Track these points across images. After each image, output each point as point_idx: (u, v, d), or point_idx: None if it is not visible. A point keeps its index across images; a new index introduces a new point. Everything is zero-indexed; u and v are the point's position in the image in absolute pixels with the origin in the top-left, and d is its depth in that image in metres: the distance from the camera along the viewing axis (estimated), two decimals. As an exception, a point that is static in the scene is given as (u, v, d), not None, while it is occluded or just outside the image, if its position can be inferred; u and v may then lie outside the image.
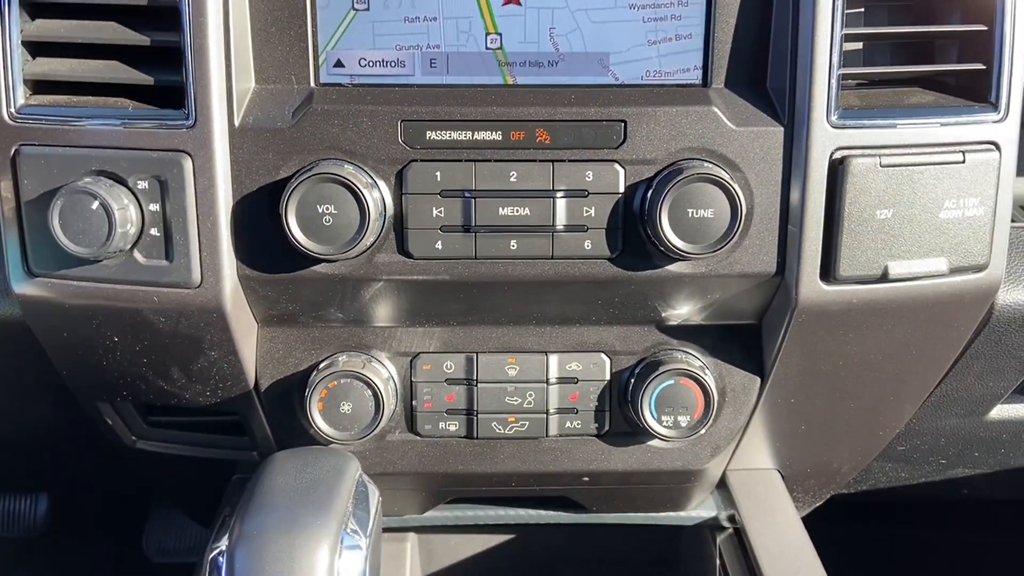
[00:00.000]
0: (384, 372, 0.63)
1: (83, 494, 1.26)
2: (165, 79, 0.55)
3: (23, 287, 0.59)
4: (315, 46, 0.57)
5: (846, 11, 0.57)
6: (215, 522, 0.75)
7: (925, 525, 1.27)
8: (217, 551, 0.43)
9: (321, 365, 0.62)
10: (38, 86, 0.57)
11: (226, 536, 0.43)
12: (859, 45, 0.62)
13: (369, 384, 0.62)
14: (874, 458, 0.88)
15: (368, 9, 0.57)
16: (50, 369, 0.67)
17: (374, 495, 0.47)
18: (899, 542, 1.33)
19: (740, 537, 0.73)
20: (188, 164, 0.55)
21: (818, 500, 0.94)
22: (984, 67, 0.59)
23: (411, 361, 0.63)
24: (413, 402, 0.64)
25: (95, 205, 0.53)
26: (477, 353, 0.64)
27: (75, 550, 1.46)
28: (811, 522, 0.83)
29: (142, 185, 0.55)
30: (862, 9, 0.60)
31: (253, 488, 0.44)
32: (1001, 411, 0.82)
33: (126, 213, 0.54)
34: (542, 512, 0.74)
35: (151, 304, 0.58)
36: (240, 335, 0.60)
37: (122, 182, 0.55)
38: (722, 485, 0.76)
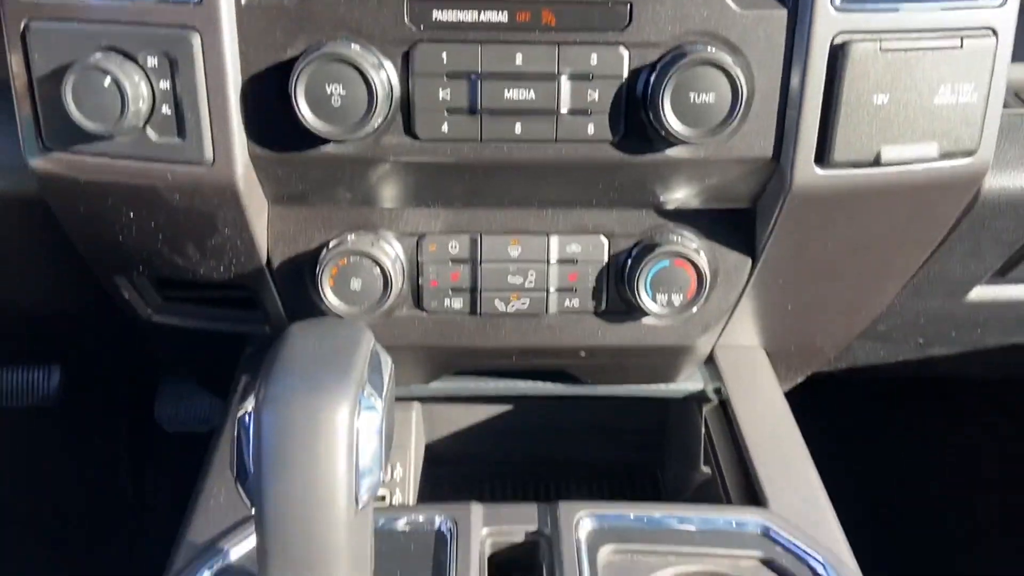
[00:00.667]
0: (392, 251, 0.64)
1: (96, 367, 1.30)
2: None
3: (38, 161, 0.60)
4: None
5: None
6: (233, 389, 0.79)
7: (900, 402, 1.33)
8: (244, 412, 0.46)
9: (331, 244, 0.64)
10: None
11: (252, 398, 0.46)
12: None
13: (377, 262, 0.64)
14: (855, 337, 0.93)
15: None
16: (68, 244, 0.69)
17: (387, 363, 0.50)
18: (874, 417, 1.39)
19: (725, 408, 0.77)
20: (197, 41, 0.55)
21: (799, 377, 0.98)
22: None
23: (417, 241, 0.65)
24: (419, 280, 0.66)
25: (107, 82, 0.54)
26: (481, 234, 0.65)
27: (89, 421, 1.51)
28: (792, 397, 0.87)
29: (152, 62, 0.55)
30: None
31: (275, 354, 0.46)
32: (980, 292, 0.85)
33: (138, 90, 0.54)
34: (540, 384, 0.78)
35: (165, 181, 0.59)
36: (252, 213, 0.61)
37: (132, 59, 0.55)
38: (710, 361, 0.79)
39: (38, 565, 1.30)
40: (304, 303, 0.68)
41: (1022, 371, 1.08)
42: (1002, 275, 0.79)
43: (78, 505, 1.40)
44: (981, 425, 1.34)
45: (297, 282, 0.67)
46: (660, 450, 0.83)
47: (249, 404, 0.46)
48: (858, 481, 1.29)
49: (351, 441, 0.44)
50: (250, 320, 0.75)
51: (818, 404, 0.96)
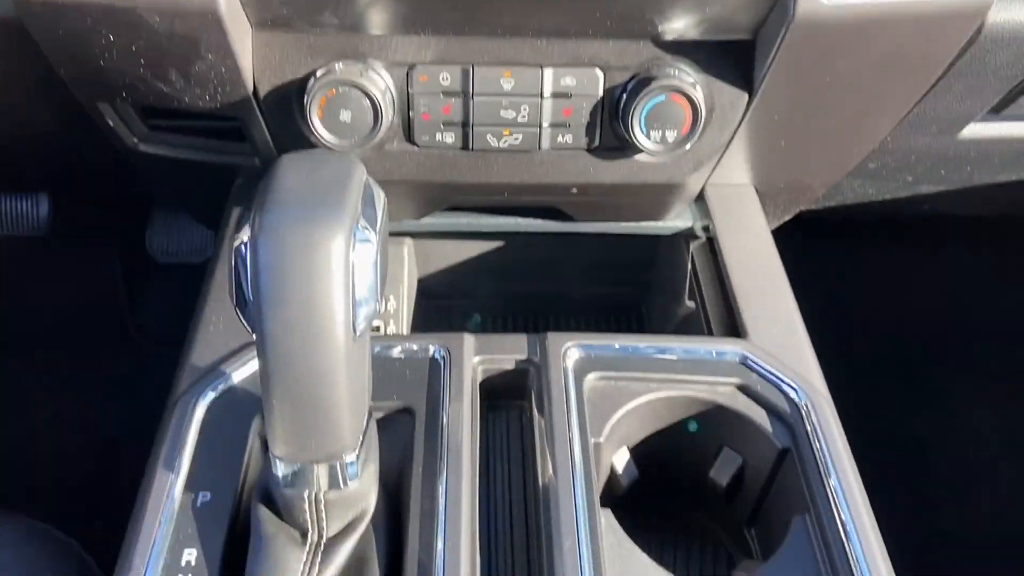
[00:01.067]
0: (381, 82, 0.62)
1: (85, 196, 1.28)
2: None
3: None
4: None
5: None
6: (224, 221, 0.79)
7: (885, 240, 1.35)
8: (240, 242, 0.47)
9: (318, 73, 0.61)
10: None
11: (247, 228, 0.46)
12: None
13: (367, 93, 0.62)
14: (845, 175, 0.92)
15: None
16: (52, 71, 0.67)
17: (380, 196, 0.49)
18: (861, 252, 1.41)
19: (711, 245, 0.77)
20: None
21: (787, 215, 0.99)
22: None
23: (407, 72, 0.63)
24: (410, 113, 0.64)
25: None
26: (473, 65, 0.63)
27: (81, 251, 1.51)
28: (778, 235, 0.87)
29: None
30: None
31: (267, 185, 0.46)
32: (973, 130, 0.83)
33: None
34: (531, 220, 0.77)
35: (145, 2, 0.56)
36: (235, 38, 0.58)
37: None
38: (700, 198, 0.79)
39: (32, 394, 1.34)
40: (293, 135, 0.66)
41: (1007, 208, 1.10)
42: (996, 112, 0.78)
43: (74, 334, 1.43)
44: (965, 261, 1.36)
45: (285, 112, 0.65)
46: (646, 285, 0.85)
47: (245, 234, 0.46)
48: (838, 317, 1.33)
49: (347, 272, 0.44)
50: (239, 152, 0.74)
51: (803, 244, 0.97)
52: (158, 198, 1.27)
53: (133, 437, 1.29)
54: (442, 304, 0.85)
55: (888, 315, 1.38)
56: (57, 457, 1.26)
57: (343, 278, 0.44)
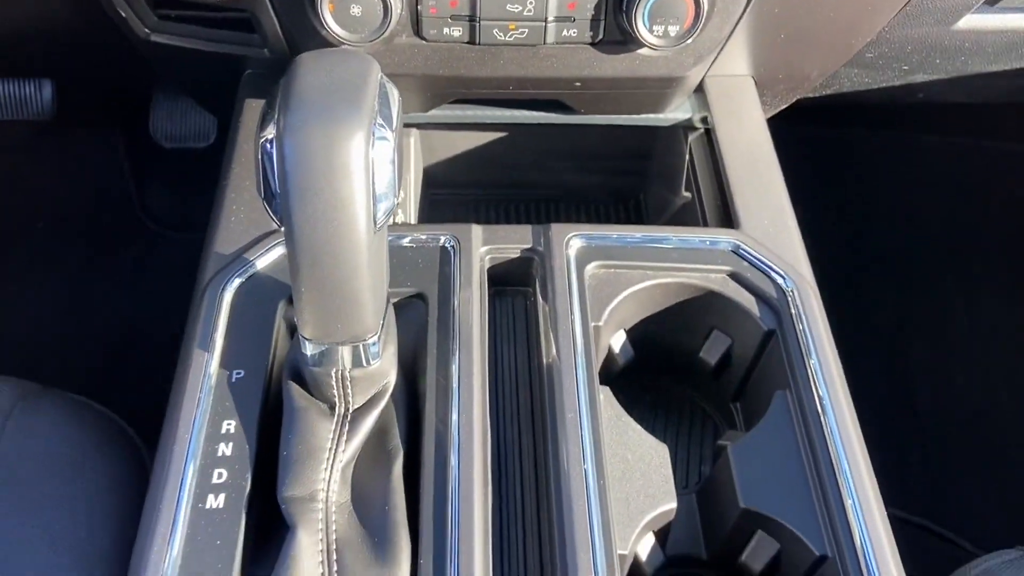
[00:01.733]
0: None
1: (89, 83, 1.28)
2: None
3: None
4: None
5: None
6: (237, 110, 0.80)
7: (882, 126, 1.36)
8: (265, 139, 0.49)
9: None
10: None
11: (272, 126, 0.48)
12: None
13: None
14: (843, 64, 0.93)
15: None
16: None
17: (394, 93, 0.51)
18: (855, 142, 1.43)
19: (709, 136, 0.79)
20: None
21: (785, 103, 1.00)
22: None
23: None
24: (419, 7, 0.65)
25: None
26: None
27: (85, 136, 1.51)
28: (775, 124, 0.89)
29: None
30: None
31: (288, 85, 0.48)
32: (968, 20, 0.83)
33: None
34: (534, 113, 0.79)
35: None
36: None
37: None
38: (699, 90, 0.81)
39: (44, 280, 1.37)
40: (303, 27, 0.67)
41: (1001, 97, 1.11)
42: (991, 3, 0.79)
43: (82, 218, 1.45)
44: (958, 147, 1.38)
45: (296, 5, 0.66)
46: (645, 176, 0.87)
47: (269, 132, 0.48)
48: (830, 204, 1.36)
49: (367, 169, 0.47)
50: (248, 43, 0.74)
51: (800, 131, 0.99)
52: (164, 85, 1.27)
53: (149, 317, 1.33)
54: (447, 193, 0.87)
55: (878, 204, 1.41)
56: (77, 339, 1.30)
57: (364, 175, 0.47)
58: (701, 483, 0.65)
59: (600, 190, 0.89)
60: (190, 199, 1.46)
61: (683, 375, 0.70)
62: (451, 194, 0.85)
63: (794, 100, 0.97)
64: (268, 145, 0.48)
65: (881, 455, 0.63)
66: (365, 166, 0.46)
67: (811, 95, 1.03)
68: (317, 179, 0.46)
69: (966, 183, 1.35)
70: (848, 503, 0.54)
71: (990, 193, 1.35)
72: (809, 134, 1.10)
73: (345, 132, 0.46)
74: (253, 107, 0.75)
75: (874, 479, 0.56)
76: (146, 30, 0.74)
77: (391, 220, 0.51)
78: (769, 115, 0.95)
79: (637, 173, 0.87)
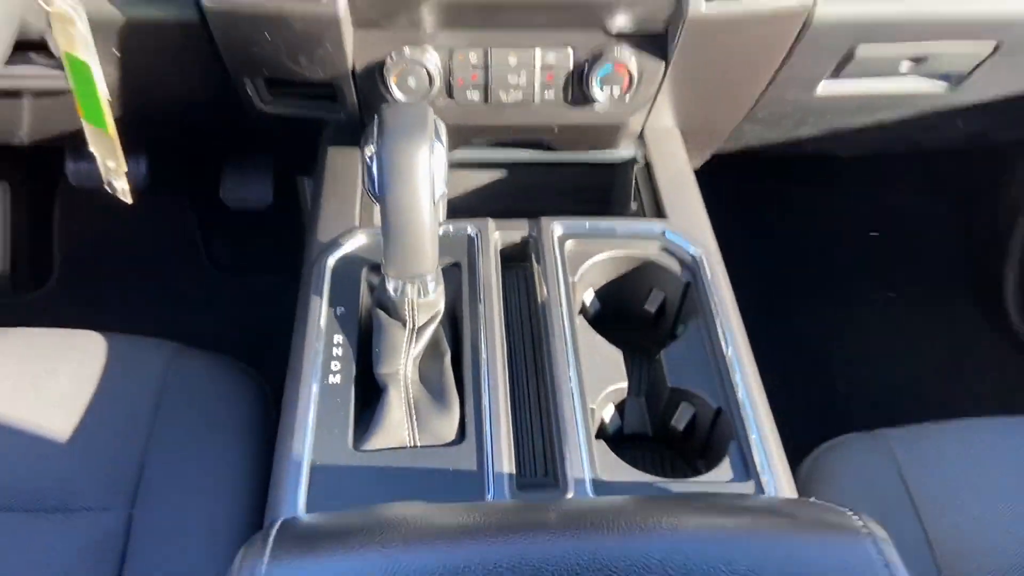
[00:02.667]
0: (433, 60, 0.94)
1: (177, 156, 1.57)
2: None
3: (209, 2, 0.88)
4: None
5: None
6: (322, 154, 1.08)
7: (783, 174, 1.69)
8: (370, 153, 0.78)
9: (393, 55, 0.92)
10: None
11: (372, 145, 0.77)
12: None
13: (425, 67, 0.94)
14: (744, 120, 1.15)
15: None
16: (216, 56, 0.98)
17: (442, 125, 0.80)
18: (764, 187, 1.76)
19: (648, 167, 1.07)
20: None
21: (707, 153, 1.30)
22: None
23: (450, 53, 0.94)
24: (451, 79, 0.95)
25: None
26: (490, 48, 0.91)
27: (164, 200, 1.72)
28: (700, 173, 1.07)
29: None
30: None
31: (382, 120, 0.77)
32: (824, 87, 1.07)
33: None
34: (526, 152, 1.08)
35: (294, 13, 0.87)
36: (345, 34, 0.89)
37: None
38: (641, 136, 1.11)
39: (122, 311, 1.62)
40: (374, 95, 0.97)
41: (869, 147, 1.44)
42: (836, 75, 1.12)
43: (158, 265, 1.72)
44: (848, 198, 1.71)
45: (371, 81, 0.96)
46: (607, 199, 1.18)
47: (370, 149, 0.78)
48: (747, 236, 1.67)
49: (429, 166, 0.76)
50: (332, 110, 1.01)
51: (720, 180, 1.28)
52: (234, 157, 1.57)
53: (211, 332, 1.58)
54: (464, 213, 1.17)
55: (787, 238, 1.73)
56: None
57: (427, 169, 0.75)
58: (647, 386, 0.93)
59: (575, 209, 1.19)
60: (248, 250, 1.76)
61: (634, 322, 0.99)
62: (466, 213, 1.15)
63: (715, 149, 1.28)
64: (371, 157, 0.78)
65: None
66: (427, 164, 0.75)
67: (729, 148, 1.35)
68: (402, 172, 0.76)
69: (857, 216, 1.69)
70: (734, 374, 0.82)
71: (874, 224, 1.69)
72: (730, 179, 1.41)
73: (416, 145, 0.75)
74: (332, 151, 1.05)
75: (753, 361, 0.84)
76: (262, 104, 1.06)
77: (441, 208, 0.80)
78: (697, 165, 1.26)
79: (600, 200, 1.17)
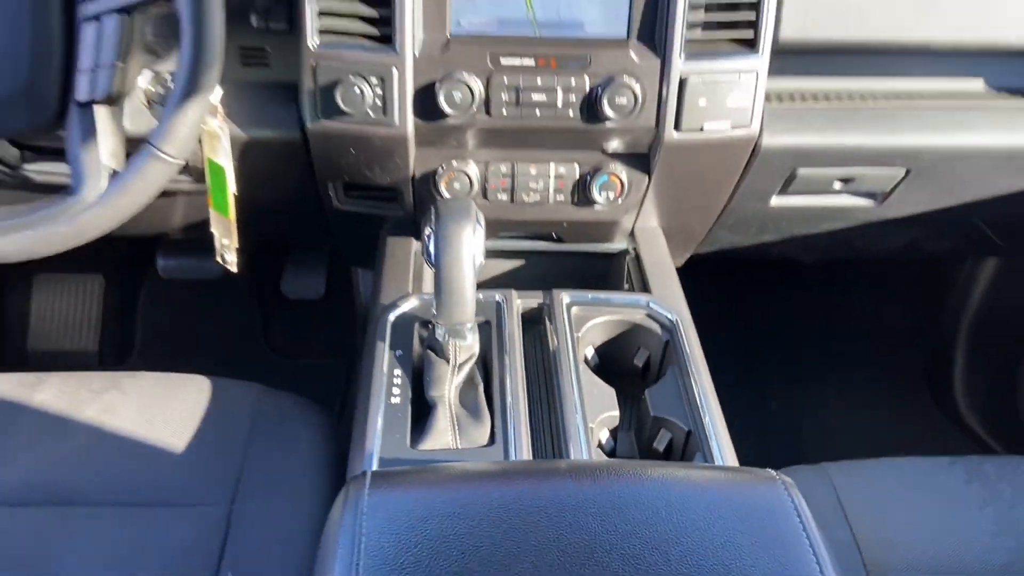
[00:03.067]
0: (474, 170, 1.21)
1: (249, 249, 1.84)
2: (386, 30, 1.08)
3: (312, 125, 1.14)
4: (448, 14, 1.09)
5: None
6: (381, 243, 1.35)
7: (753, 274, 1.96)
8: (428, 233, 1.04)
9: (443, 166, 1.13)
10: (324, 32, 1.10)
11: (429, 227, 1.04)
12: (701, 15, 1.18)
13: (468, 175, 1.22)
14: (716, 226, 1.34)
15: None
16: (307, 166, 1.27)
17: (481, 215, 1.07)
18: (737, 286, 2.01)
19: (637, 258, 1.27)
20: (395, 72, 1.12)
21: (687, 251, 1.53)
22: (751, 33, 1.15)
23: (486, 164, 1.17)
24: (486, 184, 1.19)
25: (357, 89, 1.12)
26: (516, 162, 1.14)
27: (230, 290, 1.95)
28: (682, 272, 1.24)
29: (375, 80, 1.13)
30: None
31: (438, 212, 1.03)
32: (775, 200, 1.27)
33: (368, 92, 1.12)
34: (541, 243, 1.29)
35: (374, 134, 1.16)
36: (410, 151, 1.15)
37: (366, 78, 1.13)
38: (631, 234, 1.33)
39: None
40: (426, 196, 1.21)
41: (821, 254, 1.71)
42: (784, 191, 1.40)
43: (221, 350, 1.97)
44: (805, 293, 1.97)
45: (425, 185, 1.20)
46: (605, 280, 1.42)
47: (428, 230, 1.05)
48: (722, 328, 1.91)
49: (471, 242, 1.00)
50: (392, 208, 1.23)
51: (699, 280, 1.40)
52: (296, 252, 1.86)
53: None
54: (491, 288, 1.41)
55: (760, 329, 1.98)
56: None
57: (471, 243, 0.99)
58: (635, 422, 1.15)
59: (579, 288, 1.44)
60: (302, 335, 2.01)
61: (625, 374, 1.22)
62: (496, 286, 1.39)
63: (694, 249, 1.52)
64: (428, 235, 1.05)
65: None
66: (471, 240, 1.00)
67: (706, 250, 1.61)
68: (452, 245, 1.02)
69: (824, 318, 1.94)
70: (701, 406, 1.05)
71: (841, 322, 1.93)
72: (707, 280, 1.66)
73: (463, 226, 1.01)
74: (391, 240, 1.32)
75: (716, 398, 1.07)
76: (338, 203, 1.32)
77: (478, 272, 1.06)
78: (679, 263, 1.52)
79: (599, 281, 1.40)
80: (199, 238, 1.66)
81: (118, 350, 1.80)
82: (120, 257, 1.90)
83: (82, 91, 0.84)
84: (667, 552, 0.67)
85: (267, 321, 1.93)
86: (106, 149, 0.84)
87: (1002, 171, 1.34)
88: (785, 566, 0.66)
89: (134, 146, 0.94)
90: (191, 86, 0.88)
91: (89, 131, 0.85)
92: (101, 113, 0.85)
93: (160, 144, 0.84)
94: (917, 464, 1.16)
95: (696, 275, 1.30)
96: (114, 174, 0.86)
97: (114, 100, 0.85)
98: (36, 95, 0.83)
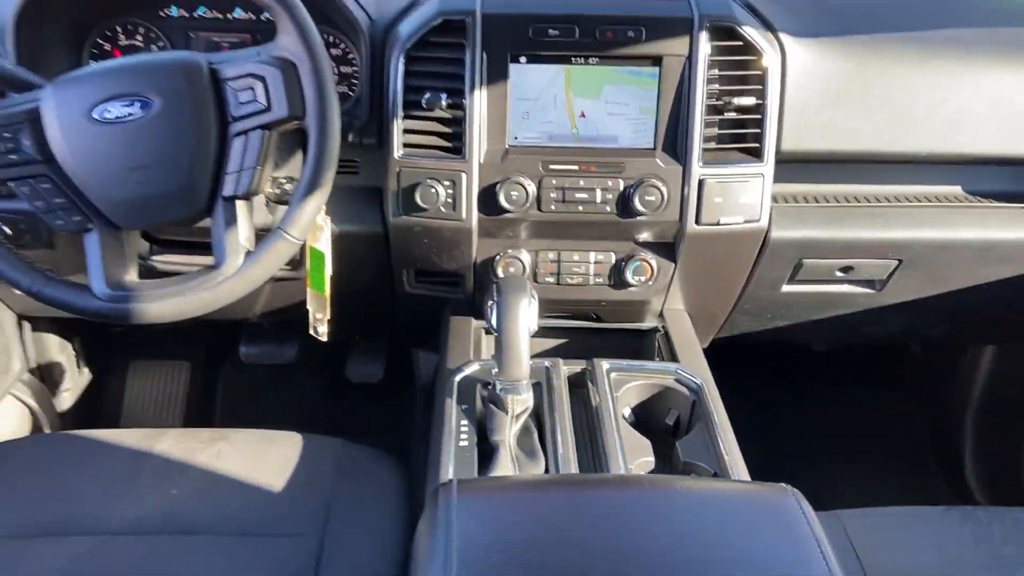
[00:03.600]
0: (526, 257, 1.41)
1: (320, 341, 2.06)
2: (457, 144, 1.35)
3: (394, 219, 1.37)
4: (507, 130, 1.36)
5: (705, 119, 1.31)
6: (445, 323, 1.54)
7: (769, 358, 2.12)
8: (491, 303, 1.25)
9: (501, 252, 1.34)
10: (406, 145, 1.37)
11: (491, 300, 1.25)
12: (715, 130, 1.41)
13: (521, 260, 1.43)
14: (734, 311, 1.51)
15: (528, 118, 1.40)
16: (386, 254, 1.49)
17: (534, 291, 1.28)
18: (757, 368, 2.12)
19: (667, 334, 1.51)
20: (464, 176, 1.35)
21: (710, 334, 1.62)
22: (757, 144, 1.40)
23: (536, 252, 1.37)
24: (536, 269, 1.38)
25: (432, 190, 1.35)
26: (561, 251, 1.33)
27: (299, 375, 2.13)
28: (708, 354, 1.39)
29: (448, 182, 1.36)
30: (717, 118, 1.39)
31: (500, 288, 1.24)
32: (786, 288, 1.43)
33: (443, 192, 1.36)
34: (585, 321, 1.47)
35: (445, 227, 1.37)
36: (474, 240, 1.37)
37: (440, 181, 1.36)
38: (661, 314, 1.56)
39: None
40: (486, 280, 1.41)
41: (830, 339, 1.87)
42: (792, 280, 1.57)
43: (288, 430, 2.13)
44: (817, 382, 2.12)
45: (484, 270, 1.39)
46: (638, 353, 1.58)
47: (490, 300, 1.26)
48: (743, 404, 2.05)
49: (528, 310, 1.20)
50: (453, 291, 1.43)
51: (724, 364, 1.48)
52: (359, 340, 2.06)
53: None
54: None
55: (773, 420, 2.12)
56: None
57: (526, 313, 1.19)
58: (667, 469, 1.30)
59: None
60: (360, 415, 2.19)
61: (658, 431, 1.38)
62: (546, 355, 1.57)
63: (716, 332, 1.64)
64: (491, 307, 1.25)
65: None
66: (527, 309, 1.21)
67: (726, 334, 1.79)
68: (511, 313, 1.22)
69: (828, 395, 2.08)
70: (723, 453, 1.20)
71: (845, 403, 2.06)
72: (730, 363, 1.80)
73: (520, 299, 1.22)
74: (453, 319, 1.52)
75: (737, 446, 1.23)
76: (408, 287, 1.53)
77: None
78: (704, 345, 1.70)
79: (633, 354, 1.60)
80: (279, 322, 1.88)
81: (200, 426, 1.98)
82: (204, 345, 2.12)
83: (228, 188, 1.06)
84: (702, 551, 0.83)
85: (330, 404, 2.09)
86: (243, 234, 1.06)
87: (983, 261, 1.53)
88: (786, 546, 0.81)
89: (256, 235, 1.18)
90: (314, 183, 1.11)
91: (231, 220, 1.07)
92: (240, 206, 1.07)
93: (287, 228, 1.06)
94: (920, 511, 1.29)
95: (718, 358, 1.40)
96: (248, 253, 1.08)
97: (250, 196, 1.08)
98: (192, 191, 1.06)
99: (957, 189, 1.43)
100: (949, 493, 1.96)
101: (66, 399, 1.93)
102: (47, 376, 1.88)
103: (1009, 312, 1.58)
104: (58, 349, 1.90)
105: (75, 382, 1.96)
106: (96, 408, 1.87)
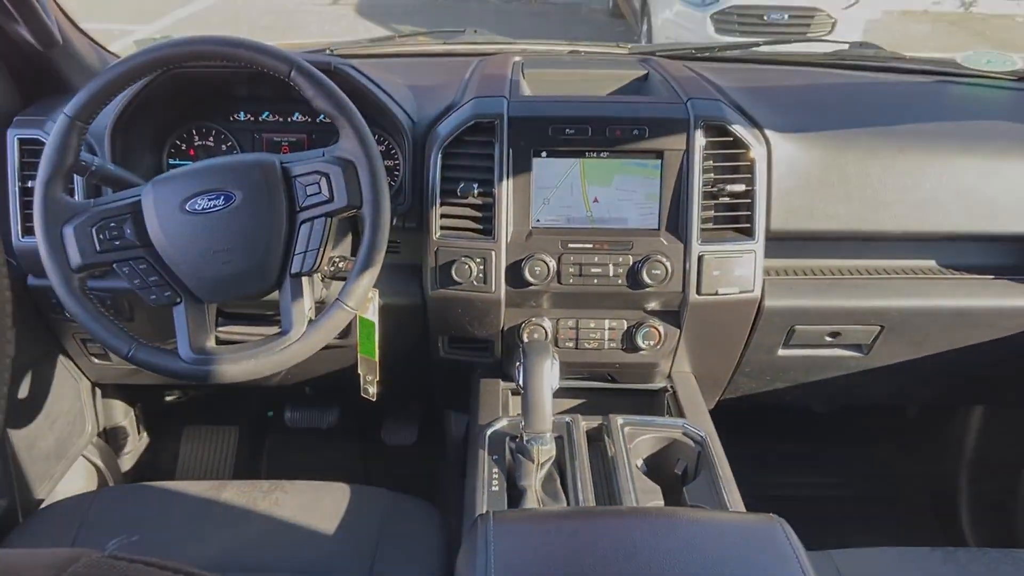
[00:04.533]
0: (548, 324, 1.58)
1: (358, 405, 2.22)
2: (487, 226, 1.55)
3: (432, 292, 1.53)
4: (530, 214, 1.57)
5: (702, 202, 1.52)
6: (475, 383, 1.70)
7: (769, 420, 2.23)
8: (518, 365, 1.41)
9: (525, 321, 1.49)
10: (443, 228, 1.57)
11: (519, 361, 1.41)
12: (711, 213, 1.61)
13: (544, 328, 1.60)
14: (736, 373, 1.62)
15: (548, 203, 1.59)
16: (424, 323, 1.66)
17: (556, 354, 1.44)
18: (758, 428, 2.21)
19: (675, 394, 1.64)
20: (493, 254, 1.52)
21: (716, 395, 1.73)
22: (749, 225, 1.58)
23: (556, 321, 1.51)
24: (557, 335, 1.52)
25: (466, 266, 1.51)
26: (579, 319, 1.48)
27: (333, 440, 2.28)
28: (714, 414, 1.58)
29: (479, 258, 1.50)
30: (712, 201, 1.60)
31: (526, 351, 1.41)
32: (782, 352, 1.54)
33: (475, 268, 1.54)
34: (596, 382, 1.63)
35: (477, 298, 1.53)
36: (503, 310, 1.53)
37: (473, 258, 1.54)
38: (669, 376, 1.71)
39: None
40: (512, 346, 1.59)
41: (825, 400, 2.00)
42: (787, 345, 1.73)
43: None
44: (817, 444, 2.23)
45: (511, 337, 1.55)
46: (649, 413, 1.75)
47: (517, 362, 1.42)
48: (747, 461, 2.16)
49: (550, 371, 1.37)
50: (484, 358, 1.58)
51: (727, 424, 1.59)
52: (393, 407, 2.21)
53: None
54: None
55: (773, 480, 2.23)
56: None
57: (549, 372, 1.35)
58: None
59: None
60: (395, 476, 2.31)
61: (668, 479, 1.51)
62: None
63: (720, 393, 1.77)
64: (518, 368, 1.41)
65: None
66: (550, 369, 1.38)
67: (730, 396, 1.92)
68: (535, 371, 1.38)
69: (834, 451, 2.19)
70: (724, 496, 1.34)
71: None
72: (734, 423, 1.92)
73: (544, 359, 1.38)
74: (483, 382, 1.68)
75: (738, 493, 1.36)
76: (443, 352, 1.70)
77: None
78: (711, 406, 1.83)
79: (644, 413, 1.74)
80: (323, 389, 2.04)
81: None
82: (251, 411, 2.28)
83: (296, 266, 1.24)
84: (699, 569, 0.96)
85: (367, 465, 2.21)
86: (307, 305, 1.24)
87: (958, 326, 1.68)
88: (772, 564, 0.95)
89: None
90: (368, 262, 1.29)
91: (297, 293, 1.24)
92: (305, 281, 1.25)
93: (345, 300, 1.23)
94: (907, 552, 1.40)
95: (725, 417, 1.48)
96: (310, 321, 1.25)
97: (312, 273, 1.26)
98: (265, 269, 1.24)
99: (932, 263, 1.58)
100: (945, 543, 2.04)
101: (127, 460, 2.08)
102: (111, 439, 2.04)
103: (989, 375, 1.70)
104: (123, 414, 2.06)
105: (135, 445, 2.11)
106: (153, 468, 2.01)
